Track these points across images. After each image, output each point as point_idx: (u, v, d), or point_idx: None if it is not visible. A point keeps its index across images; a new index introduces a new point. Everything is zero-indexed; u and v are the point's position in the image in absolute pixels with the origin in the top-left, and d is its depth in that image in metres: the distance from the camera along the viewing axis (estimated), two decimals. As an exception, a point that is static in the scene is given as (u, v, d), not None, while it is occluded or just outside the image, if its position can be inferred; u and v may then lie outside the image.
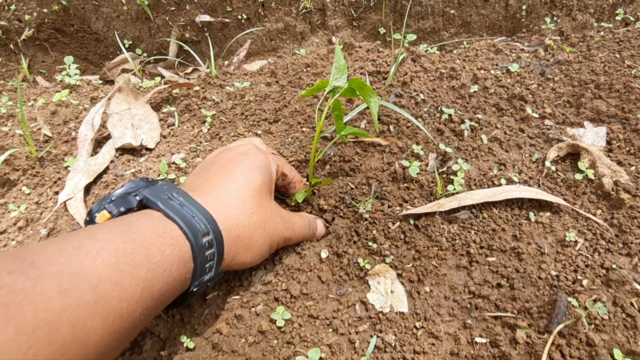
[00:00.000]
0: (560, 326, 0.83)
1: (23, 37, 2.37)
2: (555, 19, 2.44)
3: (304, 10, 2.43)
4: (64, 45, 2.52)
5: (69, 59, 1.83)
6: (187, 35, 2.45)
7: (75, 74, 1.70)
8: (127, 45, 2.43)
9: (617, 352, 0.79)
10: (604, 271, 0.94)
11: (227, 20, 2.43)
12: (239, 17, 2.42)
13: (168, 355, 0.86)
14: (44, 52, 2.51)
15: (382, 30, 2.43)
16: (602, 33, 1.67)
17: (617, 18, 1.84)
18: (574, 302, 0.86)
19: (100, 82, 2.11)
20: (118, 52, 2.49)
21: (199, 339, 0.89)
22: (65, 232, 1.10)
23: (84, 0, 2.38)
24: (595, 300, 0.87)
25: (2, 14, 2.36)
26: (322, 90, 0.98)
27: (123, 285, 0.60)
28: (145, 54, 2.49)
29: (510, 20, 2.45)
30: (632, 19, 1.81)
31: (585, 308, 0.85)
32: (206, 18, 2.41)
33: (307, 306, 0.94)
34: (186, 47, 2.21)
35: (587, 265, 0.96)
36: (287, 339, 0.89)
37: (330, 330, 0.90)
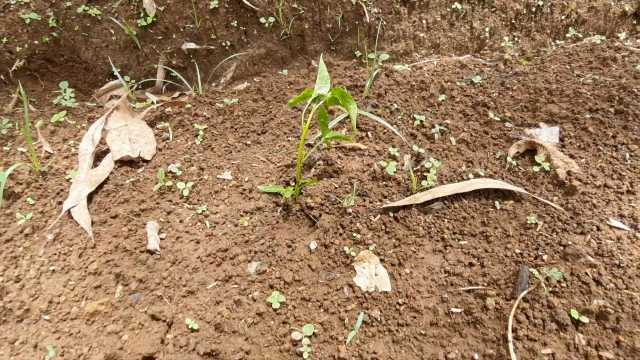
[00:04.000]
0: (524, 292, 0.94)
1: (14, 67, 2.46)
2: (516, 39, 2.66)
3: (284, 37, 2.58)
4: (53, 74, 2.61)
5: (64, 84, 1.93)
6: (174, 62, 2.58)
7: (71, 98, 1.80)
8: (115, 73, 2.54)
9: (574, 312, 0.91)
10: (561, 248, 1.07)
11: (212, 47, 2.57)
12: (223, 44, 2.56)
13: (174, 337, 0.94)
14: (33, 81, 2.60)
15: (358, 53, 2.60)
16: (554, 48, 1.86)
17: (568, 35, 2.05)
18: (535, 272, 0.98)
19: (94, 104, 2.20)
20: (106, 80, 2.58)
21: (202, 322, 0.97)
22: (68, 241, 1.18)
23: (74, 32, 2.49)
24: (551, 267, 0.99)
25: None
26: (308, 99, 1.11)
27: None
28: (133, 81, 2.60)
29: (476, 41, 2.65)
30: (581, 35, 2.01)
31: (544, 274, 0.96)
32: (192, 46, 2.54)
33: (299, 291, 1.03)
34: (174, 73, 2.33)
35: (547, 244, 1.08)
36: (283, 319, 0.98)
37: (322, 310, 1.00)
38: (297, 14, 2.53)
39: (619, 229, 1.10)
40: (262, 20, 2.52)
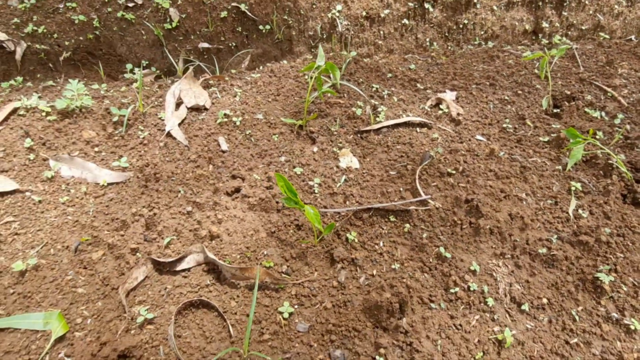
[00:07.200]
0: (425, 162, 1.86)
1: (62, 58, 3.23)
2: (449, 47, 3.65)
3: (277, 40, 3.47)
4: (92, 64, 3.39)
5: (129, 66, 2.73)
6: (191, 58, 3.42)
7: (138, 73, 2.61)
8: (144, 65, 3.33)
9: (450, 169, 1.84)
10: (449, 149, 2.00)
11: (221, 47, 3.43)
12: (230, 44, 3.43)
13: (249, 184, 1.80)
14: (75, 69, 3.37)
15: (332, 54, 3.51)
16: (464, 50, 2.86)
17: (476, 42, 3.05)
18: (433, 154, 1.91)
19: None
20: (132, 67, 3.34)
21: (262, 179, 1.83)
22: (172, 147, 2.01)
23: (112, 31, 3.29)
24: (443, 151, 1.92)
25: (45, 40, 3.23)
26: (312, 68, 2.00)
27: None
28: (158, 71, 3.41)
29: (420, 48, 3.63)
30: (483, 43, 3.02)
31: (436, 154, 1.90)
32: (206, 45, 3.40)
33: (310, 168, 1.91)
34: (191, 65, 3.16)
35: (442, 146, 2.02)
36: (303, 178, 1.86)
37: (322, 175, 1.88)
38: (287, 23, 3.44)
39: (480, 140, 2.05)
40: (261, 27, 3.41)
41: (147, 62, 3.41)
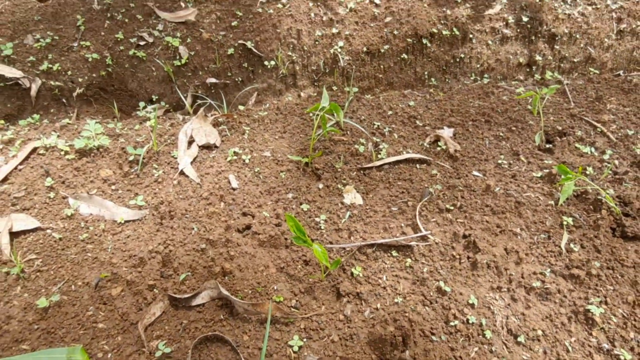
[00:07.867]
0: (426, 198, 1.97)
1: (75, 93, 3.37)
2: (447, 80, 3.79)
3: (281, 75, 3.62)
4: (104, 99, 3.54)
5: (142, 104, 2.87)
6: (199, 93, 3.56)
7: (152, 112, 2.75)
8: (154, 99, 3.46)
9: (448, 205, 1.95)
10: (448, 183, 2.11)
11: (228, 82, 3.58)
12: (236, 79, 3.57)
13: (258, 221, 1.90)
14: (88, 104, 3.51)
15: (334, 88, 3.66)
16: (460, 86, 3.00)
17: (471, 78, 3.21)
18: (432, 190, 2.02)
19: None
20: (145, 105, 3.49)
21: (271, 215, 1.94)
22: (185, 185, 2.13)
23: (124, 68, 3.45)
24: (442, 187, 2.03)
25: (59, 77, 3.38)
26: (317, 108, 2.14)
27: None
28: (167, 106, 3.55)
29: (419, 80, 3.77)
30: (478, 78, 3.17)
31: (435, 190, 2.01)
32: (213, 80, 3.55)
33: (316, 205, 2.02)
34: (199, 101, 3.31)
35: (441, 183, 2.13)
36: (309, 214, 1.96)
37: (327, 211, 1.99)
38: (291, 59, 3.59)
39: (476, 176, 2.17)
40: (266, 63, 3.56)
41: (157, 97, 3.55)
